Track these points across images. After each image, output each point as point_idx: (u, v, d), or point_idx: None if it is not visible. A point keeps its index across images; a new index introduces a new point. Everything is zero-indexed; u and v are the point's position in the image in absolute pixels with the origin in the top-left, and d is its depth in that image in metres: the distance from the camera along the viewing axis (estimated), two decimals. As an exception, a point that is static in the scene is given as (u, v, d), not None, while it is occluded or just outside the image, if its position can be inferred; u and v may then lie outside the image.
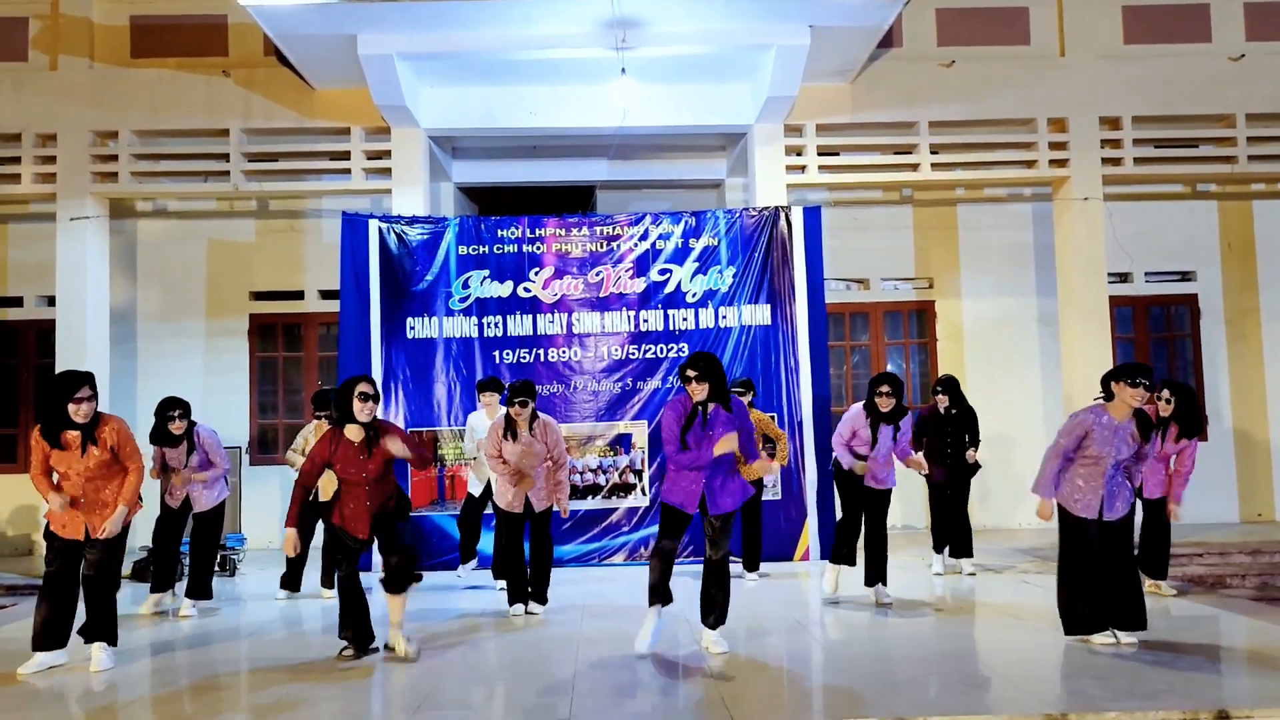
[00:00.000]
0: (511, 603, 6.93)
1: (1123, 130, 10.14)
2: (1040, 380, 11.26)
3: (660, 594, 5.64)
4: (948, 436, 8.22)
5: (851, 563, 7.15)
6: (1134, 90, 10.16)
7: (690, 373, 5.49)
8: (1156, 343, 11.64)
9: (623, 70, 8.73)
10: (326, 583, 7.71)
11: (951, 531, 8.29)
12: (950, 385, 8.22)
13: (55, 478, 5.61)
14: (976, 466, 8.32)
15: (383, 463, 5.69)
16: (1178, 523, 7.41)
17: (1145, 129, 10.26)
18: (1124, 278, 11.36)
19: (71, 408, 5.38)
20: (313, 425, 7.94)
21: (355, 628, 5.74)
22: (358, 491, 5.69)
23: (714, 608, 5.66)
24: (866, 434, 6.90)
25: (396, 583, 5.65)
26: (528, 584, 6.95)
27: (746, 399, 8.07)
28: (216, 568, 8.79)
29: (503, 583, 7.77)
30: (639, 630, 5.66)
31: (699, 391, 5.48)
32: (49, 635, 5.58)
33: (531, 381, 6.96)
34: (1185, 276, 11.58)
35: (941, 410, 8.19)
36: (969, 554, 8.27)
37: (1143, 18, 10.37)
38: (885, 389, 6.81)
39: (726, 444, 5.39)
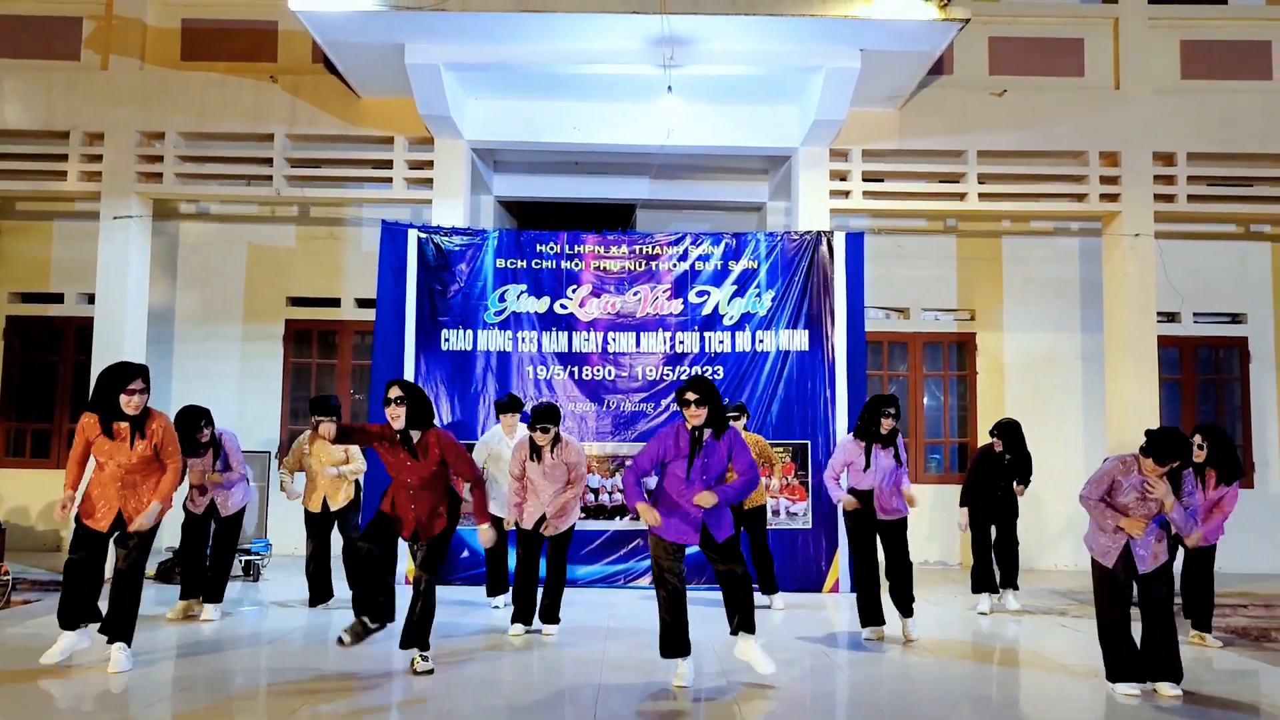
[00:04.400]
0: (514, 621, 6.87)
1: (1177, 166, 9.92)
2: (1082, 418, 11.02)
3: (680, 645, 5.45)
4: (1000, 479, 8.07)
5: (882, 620, 6.89)
6: (1190, 126, 9.94)
7: (690, 396, 5.36)
8: (1203, 385, 11.37)
9: (669, 88, 8.65)
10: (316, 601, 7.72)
11: (999, 561, 8.18)
12: (1008, 431, 8.05)
13: (92, 464, 5.62)
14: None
15: (429, 472, 5.63)
16: (1179, 551, 7.16)
17: (1200, 166, 10.03)
18: (1172, 317, 11.11)
19: (123, 399, 5.42)
20: (307, 434, 7.82)
21: (370, 604, 5.66)
22: (404, 493, 5.68)
23: (736, 612, 5.49)
24: (861, 461, 6.74)
25: (417, 639, 5.65)
26: (534, 606, 6.90)
27: (740, 423, 7.96)
28: (240, 573, 8.81)
29: (497, 600, 7.72)
30: (673, 672, 5.49)
31: (697, 416, 5.35)
32: (74, 613, 5.59)
33: (555, 405, 6.86)
34: (1235, 319, 11.31)
35: (997, 452, 8.03)
36: (1013, 585, 8.15)
37: (1201, 52, 10.14)
38: (893, 410, 6.69)
39: (706, 499, 5.28)
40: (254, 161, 9.98)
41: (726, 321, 9.33)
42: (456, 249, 9.34)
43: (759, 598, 7.18)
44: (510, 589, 7.77)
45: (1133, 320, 9.79)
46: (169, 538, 8.58)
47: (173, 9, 10.11)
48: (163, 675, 5.58)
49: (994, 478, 8.11)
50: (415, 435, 5.61)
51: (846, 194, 9.96)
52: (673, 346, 9.32)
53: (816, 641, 6.83)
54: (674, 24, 8.14)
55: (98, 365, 9.52)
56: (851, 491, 6.87)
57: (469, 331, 9.29)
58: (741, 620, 5.51)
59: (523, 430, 7.26)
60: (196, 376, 10.73)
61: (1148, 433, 5.40)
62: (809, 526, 9.08)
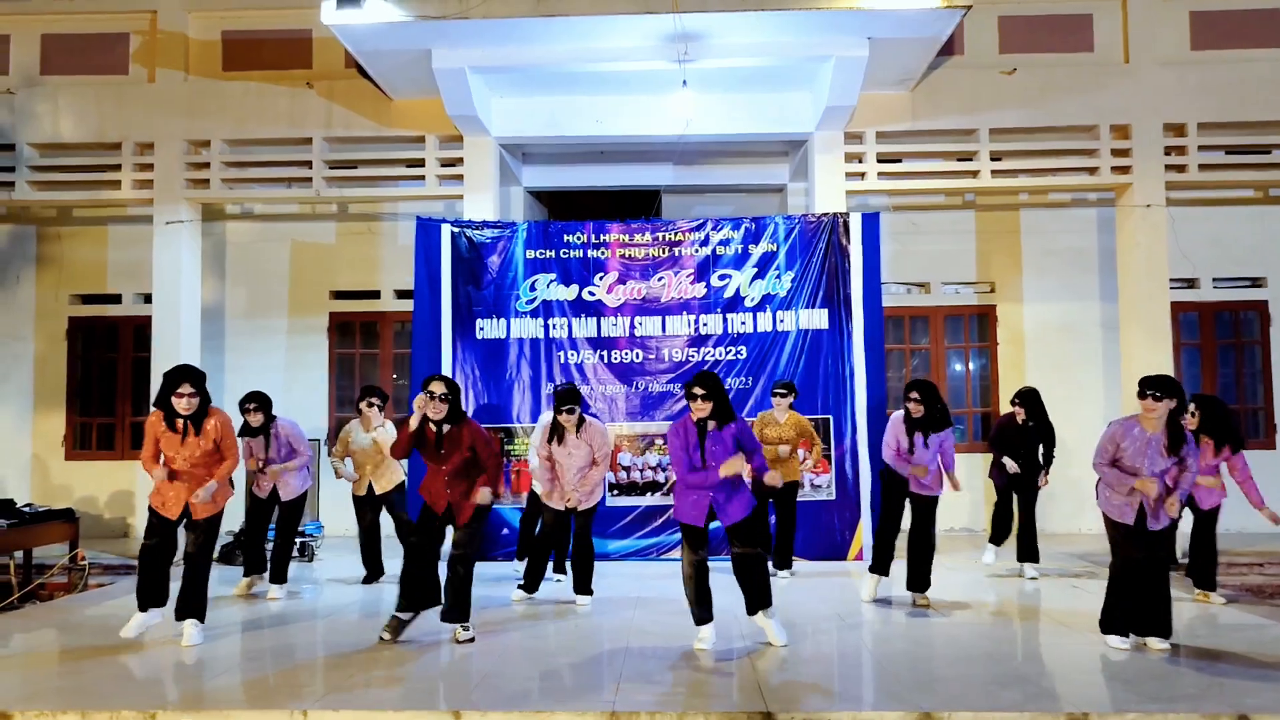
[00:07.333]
0: (521, 586, 7.47)
1: (1187, 137, 10.11)
2: (1102, 386, 11.26)
3: (703, 615, 5.90)
4: (1021, 447, 8.36)
5: (886, 573, 7.33)
6: (1200, 96, 10.12)
7: (697, 391, 5.77)
8: (1224, 349, 11.53)
9: (684, 82, 9.01)
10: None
11: (1019, 537, 8.46)
12: (1028, 398, 8.35)
13: (162, 459, 6.18)
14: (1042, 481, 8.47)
15: (460, 461, 6.09)
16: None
17: (1211, 135, 10.20)
18: (1190, 283, 11.30)
19: (174, 400, 5.96)
20: (355, 423, 8.33)
21: (418, 597, 6.14)
22: (439, 480, 6.15)
23: (749, 592, 5.94)
24: (905, 441, 7.08)
25: (456, 614, 6.13)
26: (541, 580, 7.50)
27: (787, 401, 8.32)
28: (296, 554, 9.39)
29: (520, 566, 8.29)
30: (696, 636, 5.94)
31: (703, 409, 5.76)
32: (149, 596, 6.19)
33: (576, 388, 7.36)
34: (1255, 283, 11.44)
35: (1020, 421, 8.34)
36: (1034, 559, 8.41)
37: (1210, 23, 10.30)
38: (914, 395, 6.99)
39: (733, 466, 5.66)
40: (294, 164, 10.53)
41: (748, 303, 9.69)
42: (488, 241, 9.78)
43: (771, 569, 7.58)
44: (552, 563, 8.34)
45: (1146, 289, 10.03)
46: (229, 523, 9.16)
47: (213, 22, 10.66)
48: (230, 648, 6.12)
49: (1017, 444, 8.41)
50: (447, 428, 6.08)
51: (862, 175, 10.27)
52: (697, 329, 9.71)
53: (837, 604, 7.24)
54: (685, 21, 8.50)
55: (157, 361, 10.20)
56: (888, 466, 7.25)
57: (502, 320, 9.73)
58: (757, 600, 5.95)
59: (546, 415, 7.71)
60: (246, 369, 11.32)
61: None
62: (833, 498, 9.45)
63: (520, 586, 7.50)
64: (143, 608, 6.19)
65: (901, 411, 7.17)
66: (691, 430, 5.84)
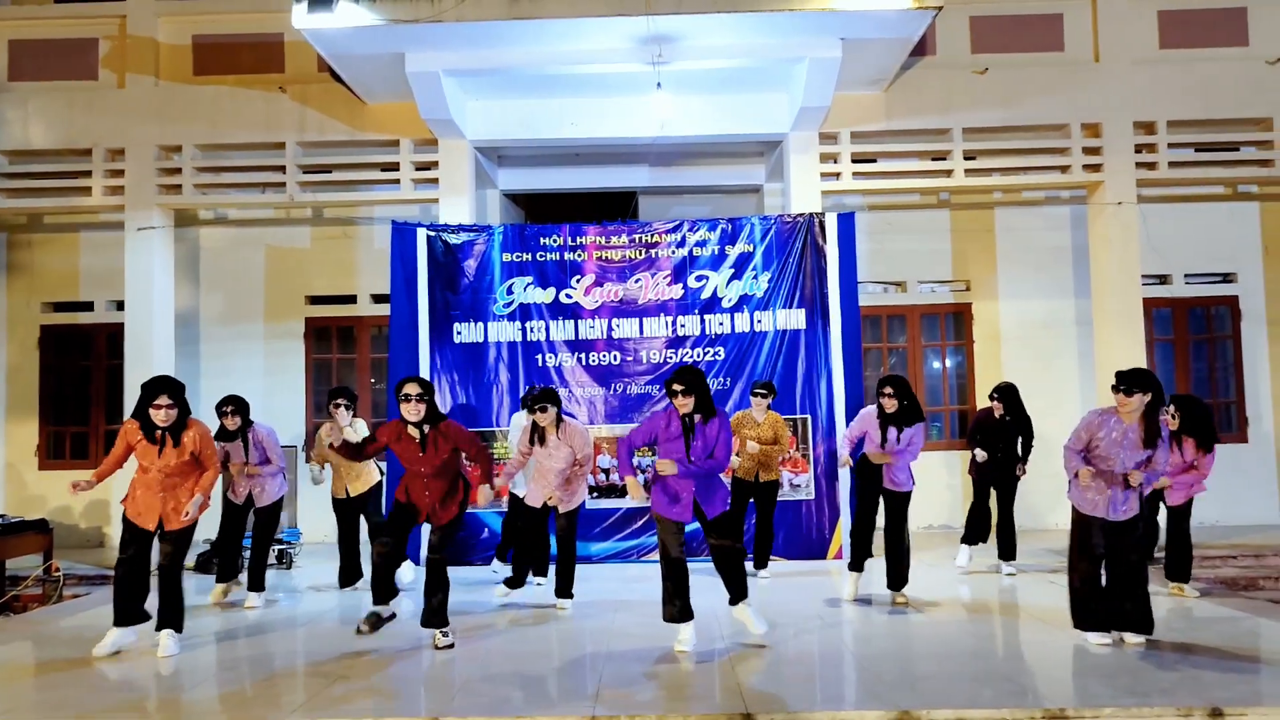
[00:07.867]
0: (506, 582, 7.54)
1: (1157, 134, 10.21)
2: (1078, 382, 11.35)
3: (682, 612, 5.90)
4: (999, 442, 8.40)
5: (862, 569, 7.39)
6: (1169, 94, 10.23)
7: (676, 386, 5.79)
8: (1196, 344, 11.65)
9: (659, 84, 9.02)
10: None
11: (997, 534, 8.52)
12: (1006, 393, 8.40)
13: (136, 467, 6.15)
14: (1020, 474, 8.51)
15: (441, 460, 6.10)
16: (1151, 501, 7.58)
17: (1182, 133, 10.32)
18: (1163, 279, 11.42)
19: (152, 411, 5.93)
20: (326, 426, 8.27)
21: (385, 592, 6.27)
22: (418, 482, 6.16)
23: (728, 583, 5.97)
24: (876, 435, 7.13)
25: (435, 619, 6.12)
26: (526, 575, 7.57)
27: (766, 402, 8.34)
28: (274, 561, 9.33)
29: (499, 566, 8.37)
30: (676, 638, 5.95)
31: (685, 405, 5.79)
32: (128, 612, 6.13)
33: (552, 389, 7.34)
34: (1226, 278, 11.57)
35: (997, 415, 8.38)
36: (1012, 557, 8.46)
37: (1179, 22, 10.41)
38: (888, 390, 7.04)
39: (665, 467, 5.75)
40: (268, 169, 10.45)
41: (725, 304, 9.71)
42: (464, 244, 9.74)
43: (749, 569, 7.62)
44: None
45: (1118, 285, 10.12)
46: (205, 531, 9.09)
47: (183, 26, 10.57)
48: (207, 658, 6.07)
49: (995, 439, 8.45)
50: (426, 428, 6.08)
51: (837, 175, 10.31)
52: (675, 330, 9.71)
53: (817, 604, 7.26)
54: (658, 23, 8.50)
55: (130, 369, 10.10)
56: (864, 460, 7.27)
57: (480, 324, 9.70)
58: (734, 591, 5.98)
59: (519, 417, 7.71)
60: (223, 375, 11.24)
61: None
62: (812, 497, 9.48)
63: (505, 582, 7.51)
64: (120, 622, 6.13)
65: (874, 406, 7.22)
66: (675, 422, 5.86)
